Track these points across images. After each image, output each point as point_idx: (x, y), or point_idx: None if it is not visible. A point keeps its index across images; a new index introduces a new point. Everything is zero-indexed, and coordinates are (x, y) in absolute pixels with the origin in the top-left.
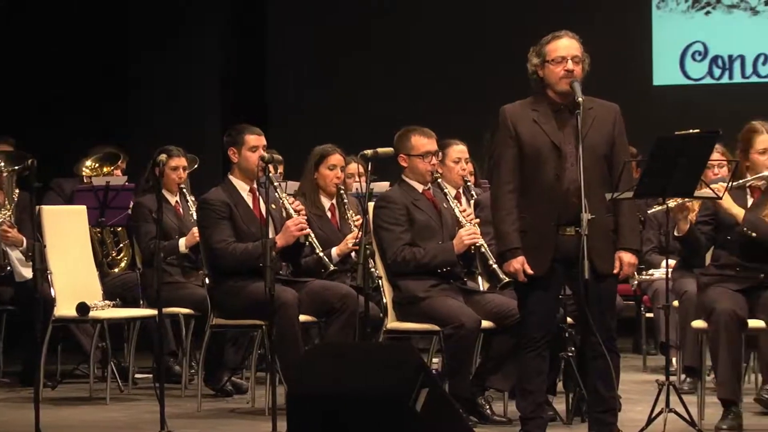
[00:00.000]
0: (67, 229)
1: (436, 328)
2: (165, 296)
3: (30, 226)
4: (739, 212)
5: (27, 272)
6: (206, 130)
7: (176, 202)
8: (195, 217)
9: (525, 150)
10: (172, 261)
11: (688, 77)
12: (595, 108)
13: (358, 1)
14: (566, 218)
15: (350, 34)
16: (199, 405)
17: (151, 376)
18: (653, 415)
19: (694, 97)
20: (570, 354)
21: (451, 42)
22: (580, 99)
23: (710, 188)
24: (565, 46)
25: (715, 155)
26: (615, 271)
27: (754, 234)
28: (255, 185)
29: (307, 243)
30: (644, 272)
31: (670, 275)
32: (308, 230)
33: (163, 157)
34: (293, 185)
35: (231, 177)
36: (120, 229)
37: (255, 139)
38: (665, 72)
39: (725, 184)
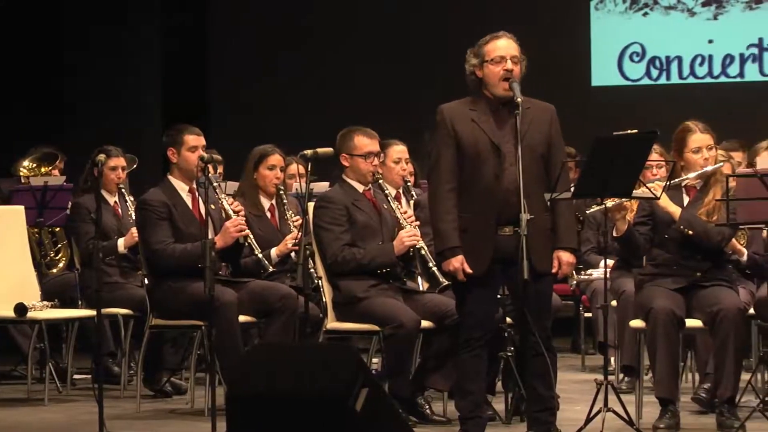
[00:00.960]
0: (4, 229)
1: (376, 328)
2: (104, 297)
3: None
4: (675, 210)
5: None
6: (145, 130)
7: (115, 202)
8: (134, 217)
9: (464, 149)
10: (111, 261)
11: (626, 78)
12: (532, 108)
13: (298, 0)
14: (505, 218)
15: (290, 34)
16: (138, 406)
17: (89, 377)
18: (591, 414)
19: (632, 97)
20: (509, 354)
21: (389, 41)
22: (519, 99)
23: (647, 188)
24: (504, 46)
25: (653, 155)
26: (554, 271)
27: (690, 232)
28: (194, 185)
29: (247, 244)
30: (583, 272)
31: (608, 275)
32: (247, 231)
33: (101, 157)
34: (233, 185)
35: (170, 177)
36: (58, 229)
37: (194, 139)
38: (603, 73)
39: (662, 184)
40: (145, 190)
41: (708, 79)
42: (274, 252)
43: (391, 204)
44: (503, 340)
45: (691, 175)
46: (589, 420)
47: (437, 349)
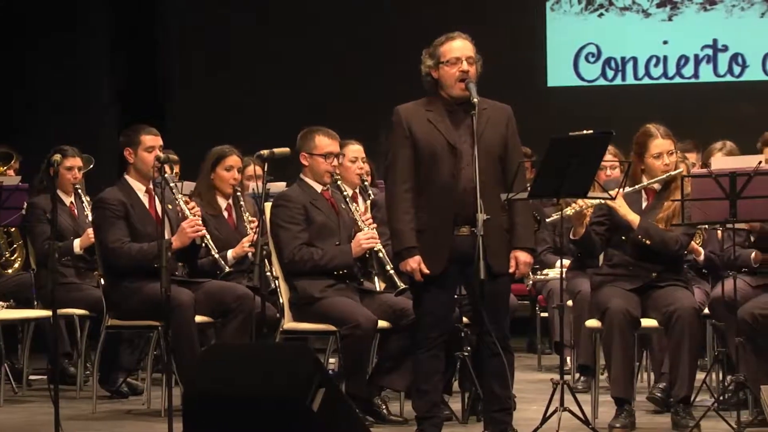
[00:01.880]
0: None
1: (333, 328)
2: (59, 297)
3: None
4: (634, 219)
5: None
6: (102, 130)
7: (71, 202)
8: (90, 217)
9: (420, 150)
10: (67, 262)
11: (581, 78)
12: (489, 109)
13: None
14: (462, 218)
15: (246, 34)
16: (94, 407)
17: (45, 377)
18: (548, 413)
19: (588, 98)
20: (466, 354)
21: (345, 41)
22: (475, 99)
23: (604, 189)
24: (459, 47)
25: (608, 156)
26: (511, 271)
27: (648, 242)
28: (151, 185)
29: (203, 244)
30: (539, 272)
31: (564, 275)
32: (204, 231)
33: (57, 157)
34: (189, 185)
35: (127, 177)
36: (14, 229)
37: (151, 139)
38: (559, 73)
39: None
40: (101, 191)
41: (663, 80)
42: (230, 254)
43: (350, 205)
44: (460, 340)
45: (651, 181)
46: (545, 420)
47: (394, 349)
